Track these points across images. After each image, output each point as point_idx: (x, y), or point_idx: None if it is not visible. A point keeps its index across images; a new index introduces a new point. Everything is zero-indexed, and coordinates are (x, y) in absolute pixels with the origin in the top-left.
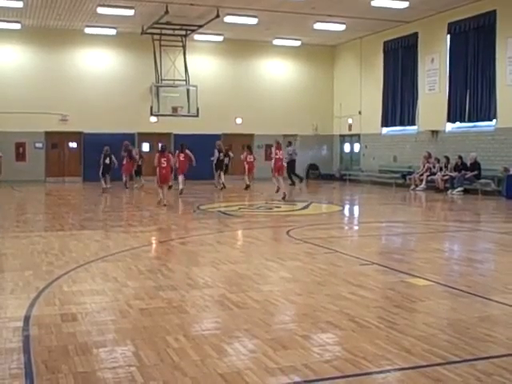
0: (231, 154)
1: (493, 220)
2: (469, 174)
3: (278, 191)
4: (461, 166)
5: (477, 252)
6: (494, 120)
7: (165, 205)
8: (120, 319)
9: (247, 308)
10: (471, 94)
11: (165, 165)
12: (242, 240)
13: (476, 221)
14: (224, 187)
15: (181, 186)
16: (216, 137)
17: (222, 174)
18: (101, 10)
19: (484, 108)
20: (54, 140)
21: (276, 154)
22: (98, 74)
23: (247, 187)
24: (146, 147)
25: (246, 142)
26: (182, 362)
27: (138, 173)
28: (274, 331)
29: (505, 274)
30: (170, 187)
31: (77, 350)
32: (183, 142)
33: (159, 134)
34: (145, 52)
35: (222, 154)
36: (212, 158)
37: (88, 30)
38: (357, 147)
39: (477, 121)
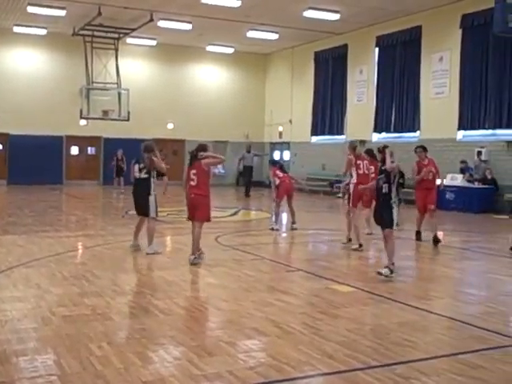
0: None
1: (413, 228)
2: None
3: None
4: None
5: (398, 259)
6: (418, 131)
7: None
8: (42, 327)
9: (173, 315)
10: (397, 106)
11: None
12: (170, 246)
13: (398, 229)
14: None
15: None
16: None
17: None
18: (31, 9)
19: (409, 119)
20: None
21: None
22: (26, 74)
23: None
24: (75, 151)
25: (177, 147)
26: (105, 370)
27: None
28: (199, 338)
29: (424, 280)
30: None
31: None
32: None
33: (89, 138)
34: (76, 54)
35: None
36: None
37: (17, 29)
38: (287, 155)
39: (402, 132)
